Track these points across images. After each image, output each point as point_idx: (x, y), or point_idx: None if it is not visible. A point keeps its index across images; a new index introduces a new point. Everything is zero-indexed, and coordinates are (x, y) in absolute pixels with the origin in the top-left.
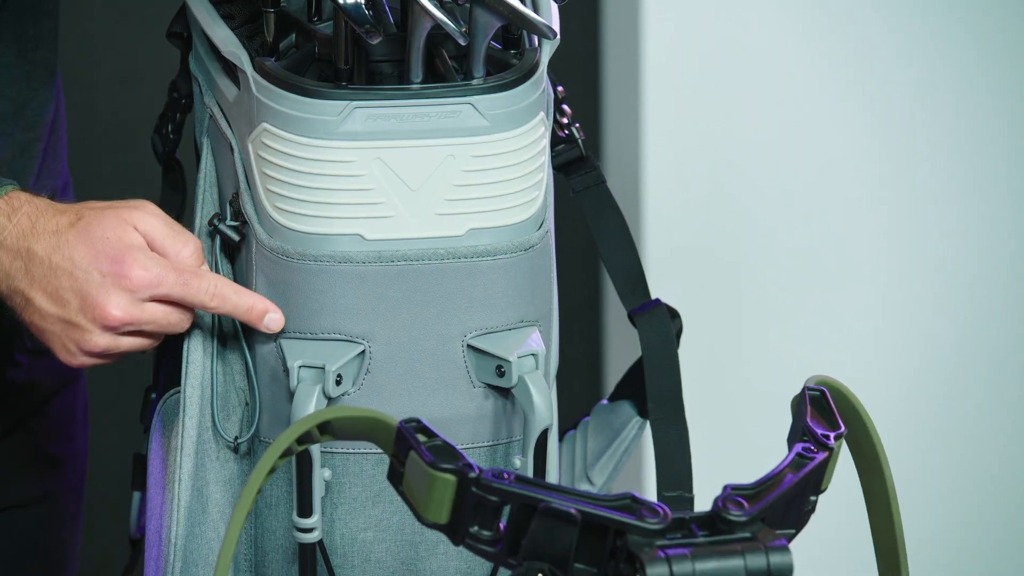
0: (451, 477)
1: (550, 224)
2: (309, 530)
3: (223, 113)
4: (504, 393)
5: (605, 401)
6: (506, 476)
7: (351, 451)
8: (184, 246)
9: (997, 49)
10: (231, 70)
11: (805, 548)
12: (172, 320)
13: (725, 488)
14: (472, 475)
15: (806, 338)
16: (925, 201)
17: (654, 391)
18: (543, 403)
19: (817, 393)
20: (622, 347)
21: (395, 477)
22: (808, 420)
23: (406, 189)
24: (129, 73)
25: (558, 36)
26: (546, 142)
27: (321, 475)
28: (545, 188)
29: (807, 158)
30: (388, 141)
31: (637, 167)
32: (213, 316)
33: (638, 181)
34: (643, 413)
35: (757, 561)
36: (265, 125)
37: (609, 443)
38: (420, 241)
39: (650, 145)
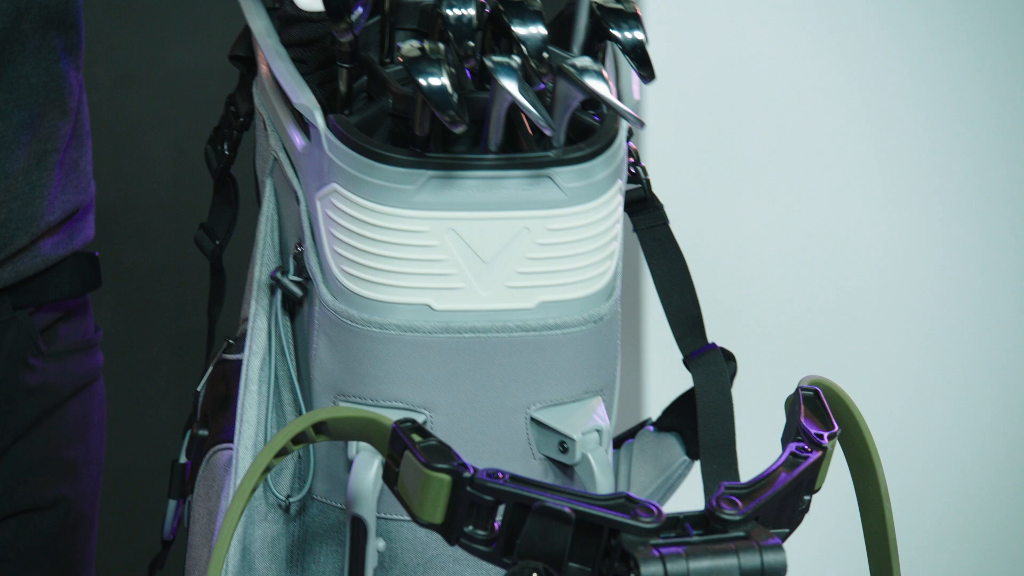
0: (445, 476)
1: (619, 291)
2: None
3: (290, 160)
4: (565, 467)
5: (651, 428)
6: (500, 475)
7: (405, 519)
8: None
9: (997, 49)
10: (300, 118)
11: (799, 547)
12: None
13: (720, 487)
14: (466, 475)
15: (805, 338)
16: (925, 201)
17: (707, 441)
18: (606, 482)
19: (811, 393)
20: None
21: (390, 478)
22: (802, 420)
23: (478, 261)
24: (129, 73)
25: (644, 124)
26: (621, 210)
27: (375, 545)
28: (617, 257)
29: (807, 159)
30: (462, 212)
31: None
32: (270, 369)
33: None
34: (691, 453)
35: (751, 560)
36: (336, 186)
37: (654, 479)
38: (489, 313)
39: (650, 147)
